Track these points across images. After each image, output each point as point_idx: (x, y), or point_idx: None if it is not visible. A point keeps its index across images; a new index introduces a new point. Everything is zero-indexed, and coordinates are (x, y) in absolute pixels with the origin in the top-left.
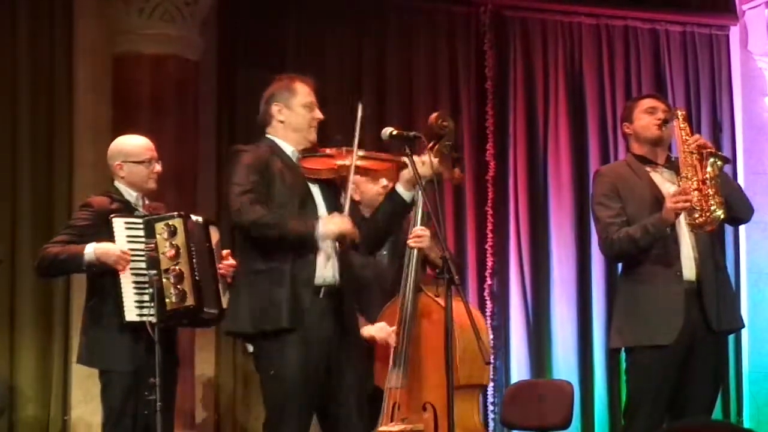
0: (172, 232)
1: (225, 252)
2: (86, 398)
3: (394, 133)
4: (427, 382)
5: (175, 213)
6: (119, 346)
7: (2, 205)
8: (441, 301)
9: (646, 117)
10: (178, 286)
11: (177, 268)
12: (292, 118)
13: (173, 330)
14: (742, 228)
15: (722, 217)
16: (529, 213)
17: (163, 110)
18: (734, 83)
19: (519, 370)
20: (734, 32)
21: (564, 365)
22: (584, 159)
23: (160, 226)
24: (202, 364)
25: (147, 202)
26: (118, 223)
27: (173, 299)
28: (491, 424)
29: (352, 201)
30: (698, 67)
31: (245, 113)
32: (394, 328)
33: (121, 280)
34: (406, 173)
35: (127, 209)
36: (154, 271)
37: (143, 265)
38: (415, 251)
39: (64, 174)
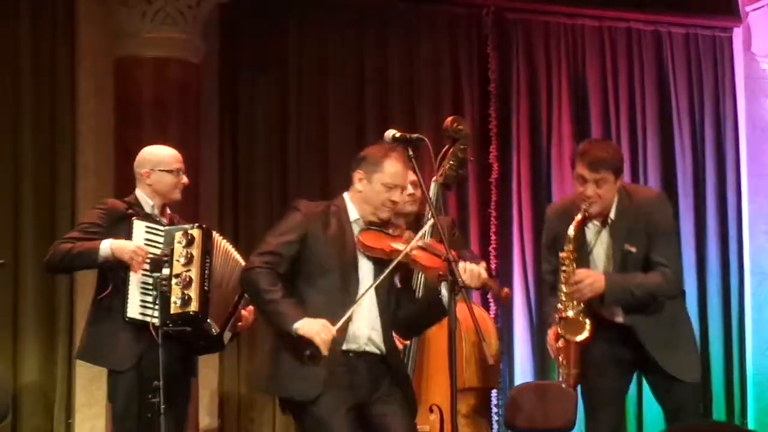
0: (190, 241)
1: (249, 307)
2: (90, 402)
3: (397, 135)
4: (434, 384)
5: (196, 224)
6: (118, 343)
7: (5, 209)
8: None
9: (576, 183)
10: (185, 291)
11: (187, 274)
12: (368, 190)
13: (192, 339)
14: (745, 230)
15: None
16: (532, 215)
17: (165, 114)
18: (737, 85)
19: (522, 372)
20: (737, 34)
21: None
22: None
23: (179, 235)
24: (206, 369)
25: (168, 211)
26: (139, 225)
27: (178, 303)
28: (495, 426)
29: (391, 286)
30: (701, 69)
31: (247, 116)
32: None
33: (130, 277)
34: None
35: (145, 218)
36: (158, 274)
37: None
38: None
39: (67, 177)
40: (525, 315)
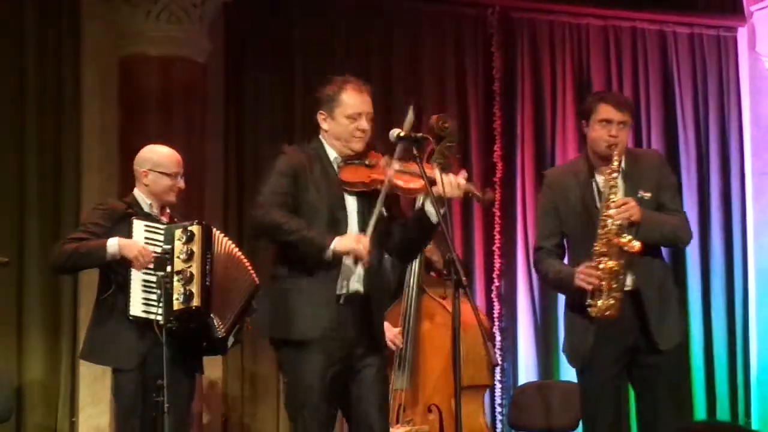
0: (190, 238)
1: None
2: (94, 400)
3: (402, 134)
4: (432, 383)
5: (196, 221)
6: (122, 342)
7: (10, 208)
8: (444, 302)
9: (598, 129)
10: (187, 287)
11: (188, 270)
12: (334, 127)
13: (195, 339)
14: (750, 230)
15: (615, 311)
16: (535, 214)
17: (170, 113)
18: (742, 84)
19: (527, 371)
20: (742, 33)
21: (571, 367)
22: None
23: (179, 232)
24: (209, 366)
25: (168, 211)
26: (138, 225)
27: (180, 299)
28: (499, 426)
29: (381, 217)
30: (706, 69)
31: (253, 115)
32: (399, 329)
33: (131, 275)
34: (435, 190)
35: (144, 217)
36: (162, 272)
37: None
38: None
39: (72, 176)
40: (529, 314)
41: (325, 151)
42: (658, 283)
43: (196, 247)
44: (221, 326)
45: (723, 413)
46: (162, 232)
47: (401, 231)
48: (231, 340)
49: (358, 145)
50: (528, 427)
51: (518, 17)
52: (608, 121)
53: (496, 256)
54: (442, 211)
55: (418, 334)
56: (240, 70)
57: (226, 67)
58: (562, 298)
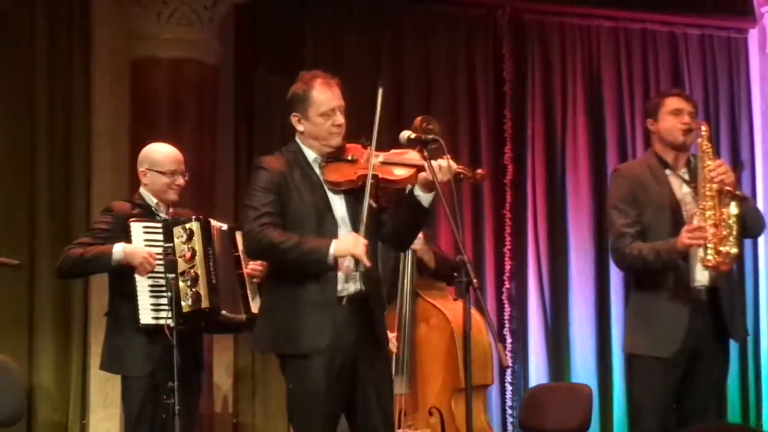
0: (189, 236)
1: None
2: (104, 402)
3: (413, 136)
4: (431, 386)
5: (193, 217)
6: (136, 350)
7: (21, 210)
8: (438, 304)
9: (671, 119)
10: (193, 289)
11: (192, 270)
12: (309, 127)
13: (198, 336)
14: None
15: (736, 256)
16: (547, 216)
17: (181, 114)
18: (753, 86)
19: (537, 373)
20: (753, 35)
21: (582, 368)
22: (602, 162)
23: (178, 230)
24: (220, 369)
25: (171, 209)
26: (136, 227)
27: (189, 302)
28: (509, 427)
29: (371, 209)
30: (716, 71)
31: (263, 117)
32: (395, 334)
33: (137, 283)
34: (424, 176)
35: (147, 214)
36: (173, 275)
37: (160, 269)
38: (410, 256)
39: (82, 178)
40: (540, 316)
41: (303, 154)
42: (730, 279)
43: (197, 246)
44: (239, 314)
45: (734, 416)
46: (160, 230)
47: (393, 219)
48: (255, 303)
49: (336, 141)
50: (539, 429)
51: (529, 19)
52: (679, 111)
53: (506, 258)
54: (432, 195)
55: (415, 338)
56: (250, 71)
57: (237, 69)
58: (573, 300)
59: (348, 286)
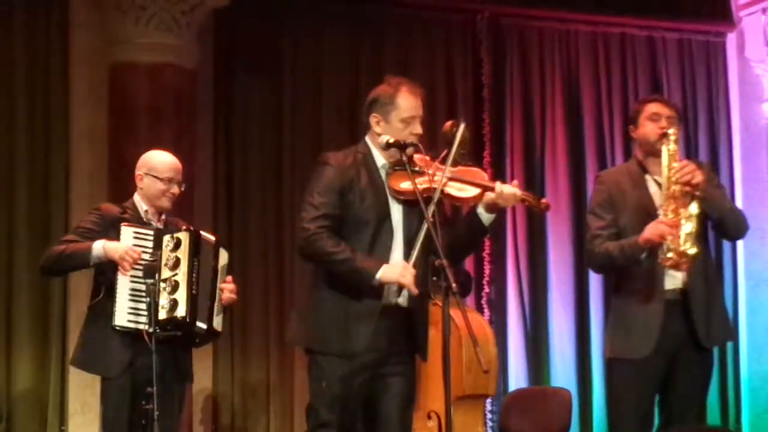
0: (176, 245)
1: (228, 278)
2: (83, 409)
3: (391, 141)
4: (432, 390)
5: (184, 227)
6: (111, 350)
7: None
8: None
9: (649, 124)
10: (171, 296)
11: (173, 278)
12: (388, 131)
13: (184, 346)
14: None
15: (695, 256)
16: (526, 221)
17: (159, 119)
18: (731, 90)
19: (517, 377)
20: (731, 39)
21: (562, 372)
22: (581, 166)
23: (167, 239)
24: (200, 375)
25: (163, 217)
26: (127, 231)
27: (165, 308)
28: None
29: (428, 234)
30: (695, 74)
31: (242, 122)
32: None
33: (119, 284)
34: (490, 198)
35: (137, 222)
36: (152, 280)
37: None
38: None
39: (61, 183)
40: (519, 321)
41: (372, 158)
42: (707, 283)
43: (183, 255)
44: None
45: (713, 419)
46: (151, 238)
47: (450, 235)
48: (218, 319)
49: (410, 150)
50: None
51: (507, 24)
52: (657, 115)
53: (485, 263)
54: (493, 216)
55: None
56: (229, 76)
57: (216, 74)
58: (552, 304)
59: (393, 299)
